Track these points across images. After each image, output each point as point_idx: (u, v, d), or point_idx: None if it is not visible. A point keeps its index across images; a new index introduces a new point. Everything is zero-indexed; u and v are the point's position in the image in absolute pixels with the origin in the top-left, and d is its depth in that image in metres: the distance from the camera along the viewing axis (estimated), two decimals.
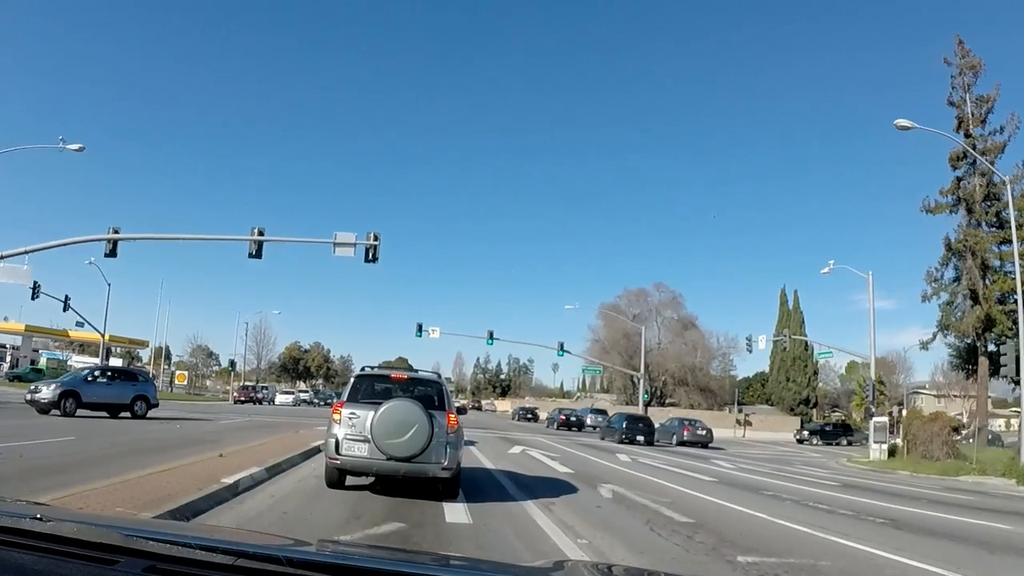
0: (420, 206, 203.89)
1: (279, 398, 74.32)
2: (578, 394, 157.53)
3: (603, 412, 63.72)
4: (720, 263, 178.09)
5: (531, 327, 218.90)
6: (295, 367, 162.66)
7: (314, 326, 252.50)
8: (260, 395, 71.87)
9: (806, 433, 65.25)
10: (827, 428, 67.63)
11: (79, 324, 62.48)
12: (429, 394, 12.22)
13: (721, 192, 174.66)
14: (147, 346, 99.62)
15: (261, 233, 33.77)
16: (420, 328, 64.56)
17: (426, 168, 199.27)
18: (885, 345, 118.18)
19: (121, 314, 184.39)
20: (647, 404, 69.11)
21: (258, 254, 33.38)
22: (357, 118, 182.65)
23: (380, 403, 11.38)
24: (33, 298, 51.18)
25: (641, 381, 70.22)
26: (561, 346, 68.35)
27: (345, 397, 12.17)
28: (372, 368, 13.42)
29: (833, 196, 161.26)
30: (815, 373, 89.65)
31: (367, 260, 34.04)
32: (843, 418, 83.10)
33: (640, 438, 42.77)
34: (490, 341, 66.69)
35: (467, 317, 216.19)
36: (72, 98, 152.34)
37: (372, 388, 12.51)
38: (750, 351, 61.41)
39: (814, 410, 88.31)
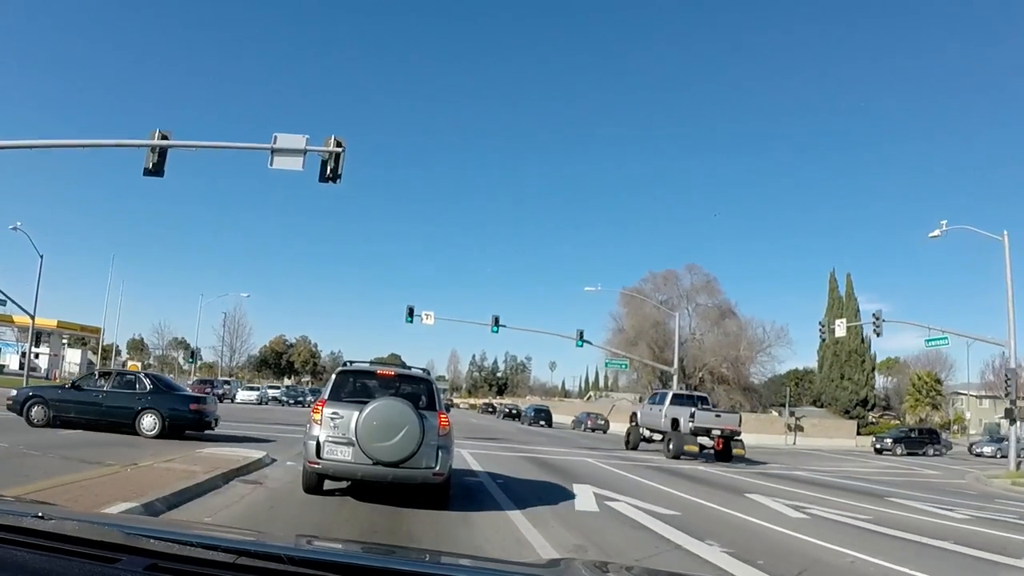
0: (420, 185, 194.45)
1: (242, 394, 68.22)
2: (590, 393, 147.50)
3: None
4: (752, 243, 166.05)
5: (540, 316, 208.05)
6: (278, 362, 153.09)
7: (301, 320, 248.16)
8: (220, 391, 64.10)
9: (888, 441, 58.28)
10: (912, 435, 60.41)
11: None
12: (418, 392, 11.85)
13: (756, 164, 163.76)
14: (99, 333, 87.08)
15: (165, 138, 25.39)
16: (411, 312, 57.73)
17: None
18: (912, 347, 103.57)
19: (78, 299, 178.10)
20: None
21: (157, 169, 24.43)
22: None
23: (366, 402, 10.94)
24: None
25: (675, 378, 62.07)
26: (580, 335, 59.96)
27: (327, 395, 11.60)
28: (356, 364, 12.80)
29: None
30: (873, 369, 77.76)
31: (324, 179, 25.29)
32: (895, 420, 79.06)
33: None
34: (495, 328, 58.25)
35: (467, 305, 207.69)
36: None
37: (356, 386, 12.12)
38: (823, 339, 49.77)
39: (870, 412, 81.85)
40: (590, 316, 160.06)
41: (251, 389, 71.48)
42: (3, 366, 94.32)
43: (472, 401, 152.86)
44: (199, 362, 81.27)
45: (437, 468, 10.94)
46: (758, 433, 59.08)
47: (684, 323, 73.16)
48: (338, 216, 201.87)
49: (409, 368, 13.98)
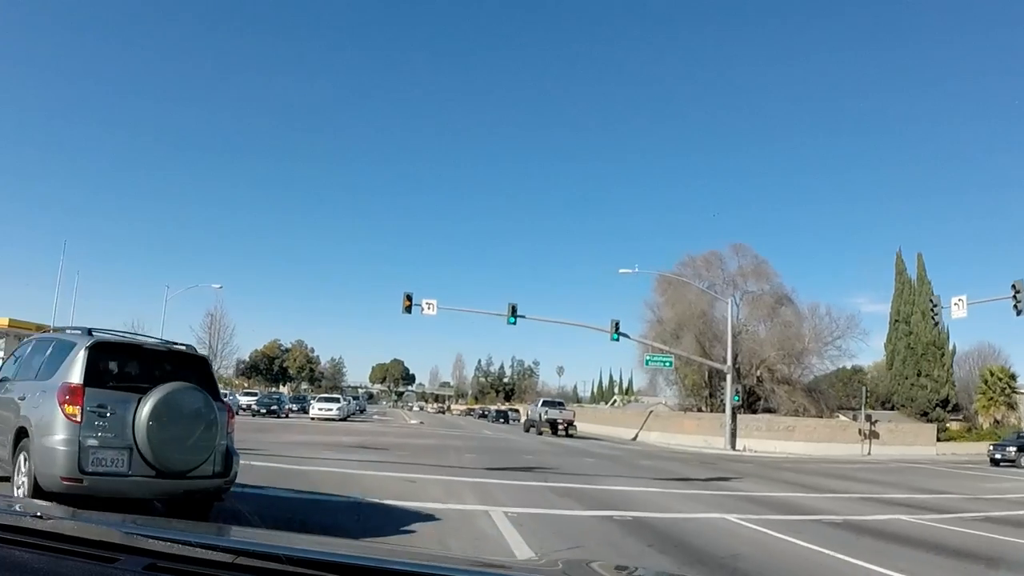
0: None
1: None
2: (615, 398, 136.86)
3: None
4: (799, 220, 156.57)
5: (559, 311, 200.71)
6: (270, 367, 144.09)
7: (298, 325, 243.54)
8: None
9: (1011, 450, 46.66)
10: None
11: None
12: (198, 376, 9.70)
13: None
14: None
15: None
16: (410, 301, 49.89)
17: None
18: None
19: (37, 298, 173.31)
20: (736, 410, 53.96)
21: None
22: None
23: (149, 389, 8.80)
24: None
25: (728, 378, 53.73)
26: (616, 327, 52.12)
27: (78, 377, 8.69)
28: (112, 334, 10.11)
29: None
30: (952, 364, 74.37)
31: None
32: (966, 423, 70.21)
33: None
34: (512, 319, 50.82)
35: (476, 298, 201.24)
36: None
37: (120, 366, 9.61)
38: (937, 325, 38.95)
39: (947, 413, 71.62)
40: (618, 308, 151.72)
41: None
42: None
43: (469, 407, 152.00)
44: None
45: (229, 476, 9.48)
46: (828, 443, 52.42)
47: (732, 312, 61.97)
48: (336, 214, 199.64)
49: (174, 344, 10.41)
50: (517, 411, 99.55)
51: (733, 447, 48.62)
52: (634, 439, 58.87)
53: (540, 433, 55.07)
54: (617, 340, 53.05)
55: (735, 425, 50.97)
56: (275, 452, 22.57)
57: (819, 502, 19.28)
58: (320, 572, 1.98)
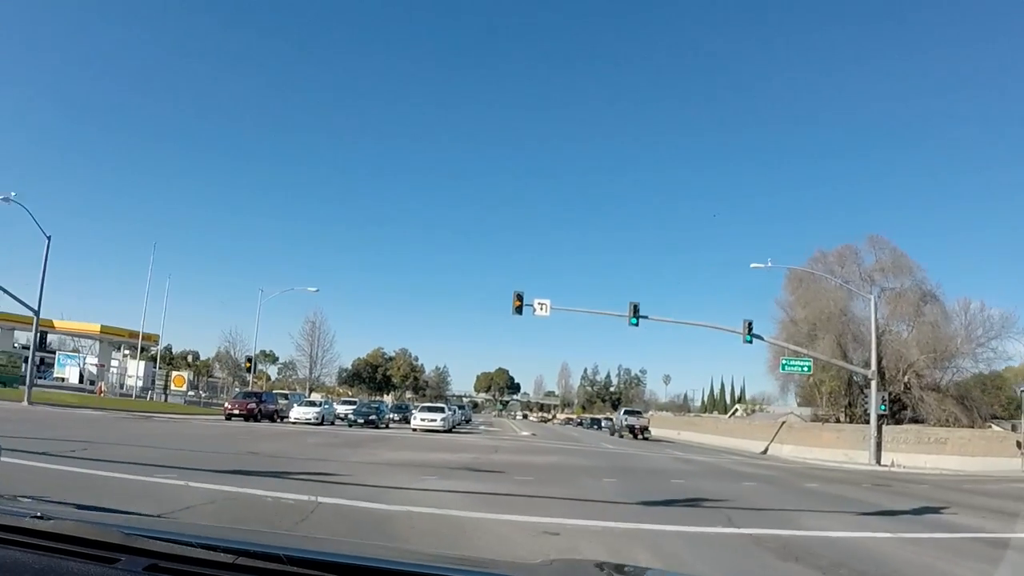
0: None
1: (298, 411, 55.21)
2: (736, 407, 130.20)
3: None
4: (941, 215, 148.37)
5: (680, 312, 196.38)
6: (373, 375, 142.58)
7: (403, 333, 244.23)
8: (271, 406, 54.69)
9: None
10: None
11: None
12: None
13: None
14: (156, 341, 75.67)
15: None
16: (521, 301, 47.29)
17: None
18: None
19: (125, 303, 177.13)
20: (881, 421, 47.63)
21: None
22: None
23: None
24: None
25: (872, 384, 47.75)
26: (749, 328, 48.22)
27: None
28: None
29: None
30: None
31: None
32: None
33: None
34: (633, 320, 47.99)
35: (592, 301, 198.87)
36: None
37: None
38: None
39: None
40: (738, 311, 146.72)
41: (310, 405, 59.47)
42: (63, 379, 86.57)
43: (567, 417, 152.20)
44: (251, 372, 69.46)
45: None
46: (984, 456, 44.74)
47: (869, 312, 56.09)
48: (446, 224, 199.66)
49: None
50: (611, 419, 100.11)
51: (878, 462, 43.02)
52: (764, 452, 53.34)
53: (622, 436, 69.27)
54: (750, 342, 48.81)
55: (880, 437, 45.05)
56: (360, 476, 18.09)
57: None
58: (320, 572, 2.00)
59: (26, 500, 3.00)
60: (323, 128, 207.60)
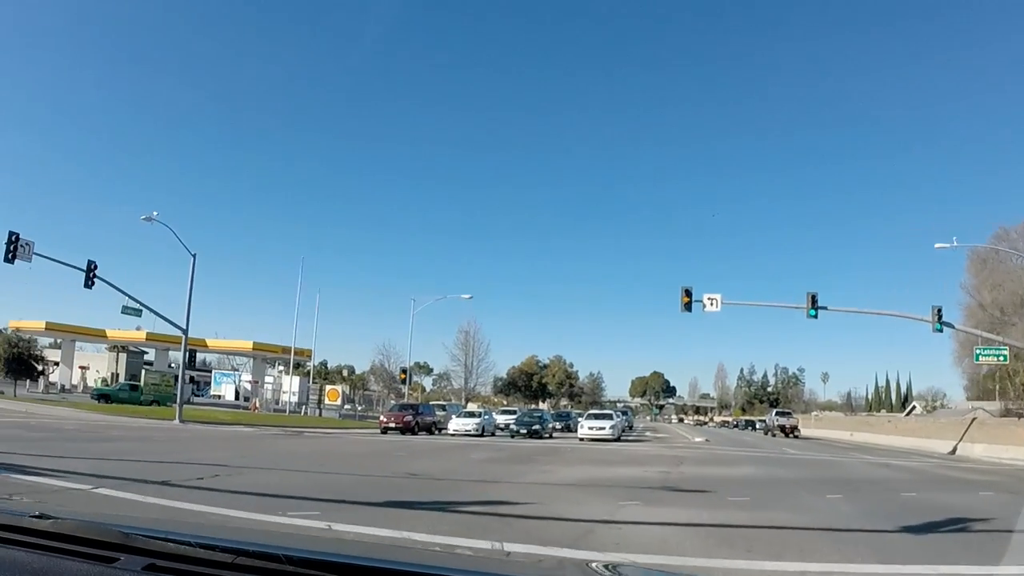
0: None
1: (456, 423, 52.27)
2: (914, 404, 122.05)
3: None
4: None
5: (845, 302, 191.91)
6: (528, 384, 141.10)
7: (556, 339, 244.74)
8: (430, 418, 52.63)
9: None
10: None
11: (123, 311, 46.27)
12: None
13: None
14: (309, 356, 75.15)
15: None
16: (689, 297, 45.32)
17: None
18: None
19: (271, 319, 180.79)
20: None
21: None
22: None
23: None
24: (87, 284, 40.57)
25: None
26: (939, 315, 45.24)
27: None
28: None
29: None
30: None
31: None
32: None
33: None
34: (812, 311, 45.43)
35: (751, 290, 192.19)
36: None
37: None
38: None
39: None
40: (933, 290, 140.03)
41: (469, 416, 56.09)
42: (219, 396, 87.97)
43: (723, 419, 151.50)
44: (405, 384, 69.51)
45: None
46: None
47: None
48: (595, 230, 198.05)
49: None
50: (764, 420, 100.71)
51: None
52: (951, 453, 47.90)
53: (774, 435, 72.67)
54: (940, 331, 46.01)
55: None
56: (545, 504, 14.13)
57: None
58: (320, 572, 1.97)
59: (25, 500, 3.50)
60: (489, 140, 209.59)
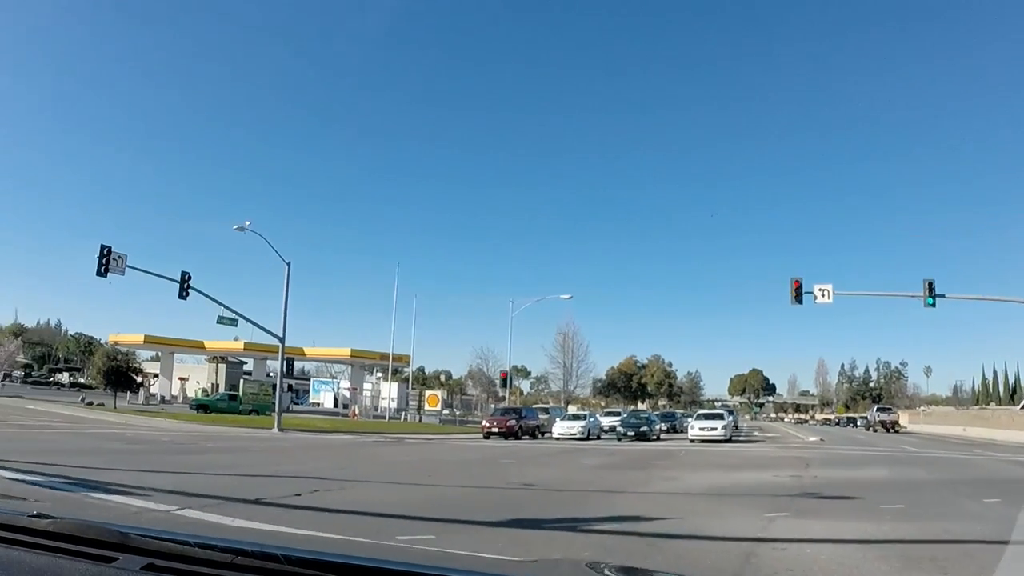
0: None
1: (560, 426, 50.38)
2: None
3: None
4: None
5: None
6: (628, 384, 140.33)
7: (654, 339, 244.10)
8: (532, 421, 51.10)
9: None
10: None
11: (218, 321, 46.45)
12: None
13: None
14: (407, 362, 74.75)
15: None
16: (799, 289, 43.81)
17: None
18: None
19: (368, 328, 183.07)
20: None
21: None
22: None
23: None
24: (181, 295, 40.51)
25: None
26: None
27: None
28: None
29: None
30: None
31: None
32: None
33: None
34: (930, 300, 42.98)
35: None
36: None
37: None
38: None
39: None
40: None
41: (575, 419, 54.28)
42: (318, 404, 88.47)
43: (825, 417, 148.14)
44: (506, 386, 71.94)
45: None
46: None
47: None
48: (695, 230, 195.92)
49: None
50: (864, 417, 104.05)
51: None
52: None
53: (875, 431, 78.00)
54: None
55: None
56: (685, 519, 12.32)
57: None
58: (319, 572, 1.98)
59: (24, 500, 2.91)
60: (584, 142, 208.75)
